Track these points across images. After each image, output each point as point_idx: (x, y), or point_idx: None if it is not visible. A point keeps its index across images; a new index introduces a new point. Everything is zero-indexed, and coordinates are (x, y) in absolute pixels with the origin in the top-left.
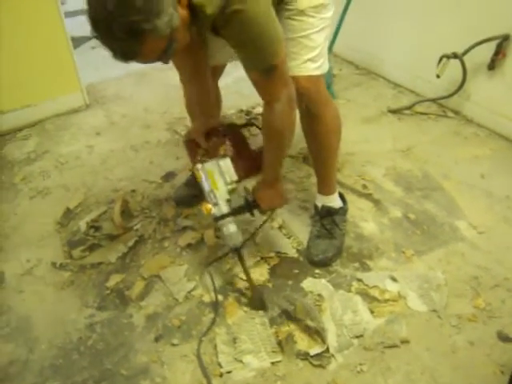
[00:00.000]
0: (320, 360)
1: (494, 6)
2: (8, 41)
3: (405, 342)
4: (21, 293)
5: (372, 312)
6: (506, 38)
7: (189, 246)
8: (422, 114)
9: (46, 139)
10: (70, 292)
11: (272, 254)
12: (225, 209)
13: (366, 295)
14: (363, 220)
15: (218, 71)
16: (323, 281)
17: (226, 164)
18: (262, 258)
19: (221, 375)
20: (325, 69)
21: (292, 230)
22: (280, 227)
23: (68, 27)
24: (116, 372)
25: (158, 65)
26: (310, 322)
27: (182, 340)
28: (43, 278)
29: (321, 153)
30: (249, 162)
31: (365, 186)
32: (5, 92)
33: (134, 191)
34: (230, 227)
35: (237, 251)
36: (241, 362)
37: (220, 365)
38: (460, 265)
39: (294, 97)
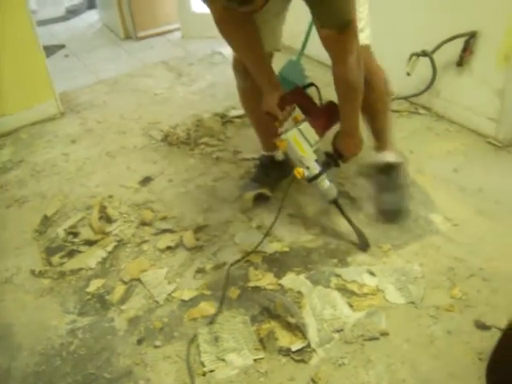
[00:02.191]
0: (302, 355)
1: (461, 4)
2: None
3: (384, 334)
4: (1, 301)
5: (351, 306)
6: (472, 35)
7: (168, 248)
8: (394, 111)
9: (21, 148)
10: (50, 299)
11: (252, 253)
12: (316, 169)
13: (344, 290)
14: (340, 217)
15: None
16: (302, 277)
17: (306, 127)
18: (242, 258)
19: (204, 374)
20: (371, 39)
21: (271, 229)
22: (259, 227)
23: (39, 36)
24: (99, 376)
25: (129, 71)
26: (290, 319)
27: (164, 342)
28: (23, 285)
29: (373, 114)
30: (322, 119)
31: (341, 184)
32: None
33: (111, 197)
34: (325, 183)
35: (335, 202)
36: (223, 360)
37: (203, 364)
38: (436, 257)
39: (360, 50)
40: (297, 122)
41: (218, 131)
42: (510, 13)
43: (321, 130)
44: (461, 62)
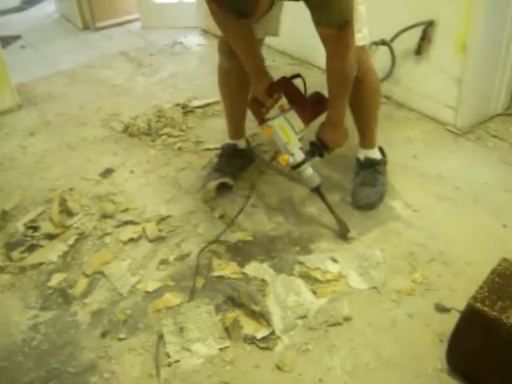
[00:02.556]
0: (267, 342)
1: None
2: None
3: (347, 319)
4: None
5: (315, 293)
6: (430, 23)
7: (131, 240)
8: None
9: None
10: (11, 294)
11: (215, 243)
12: (300, 156)
13: (308, 277)
14: (302, 205)
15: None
16: (265, 265)
17: (292, 115)
18: (205, 247)
19: (169, 365)
20: (368, 38)
21: (236, 218)
22: (221, 217)
23: None
24: (63, 370)
25: (89, 62)
26: (254, 307)
27: (128, 334)
28: None
29: (363, 112)
30: (308, 109)
31: None
32: None
33: (71, 189)
34: (309, 171)
35: (317, 190)
36: (189, 350)
37: (168, 355)
38: (397, 242)
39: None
40: (283, 111)
41: (179, 122)
42: (466, 1)
43: (306, 120)
44: (419, 51)
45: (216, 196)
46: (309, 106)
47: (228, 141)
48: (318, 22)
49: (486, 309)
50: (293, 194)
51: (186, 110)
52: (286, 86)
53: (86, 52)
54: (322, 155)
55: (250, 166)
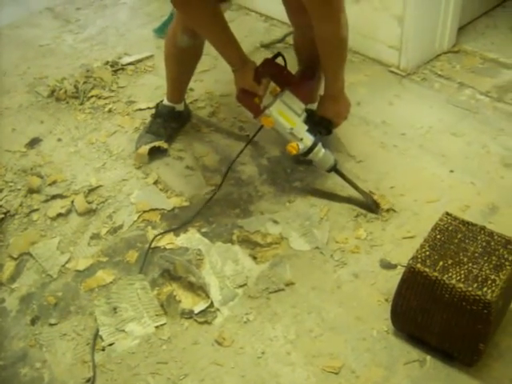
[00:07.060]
0: (205, 316)
1: None
2: None
3: (290, 284)
4: None
5: (255, 258)
6: None
7: (59, 215)
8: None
9: None
10: None
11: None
12: (310, 139)
13: (248, 242)
14: (241, 164)
15: None
16: (198, 235)
17: (289, 97)
18: (139, 217)
19: (103, 349)
20: None
21: (168, 184)
22: (155, 182)
23: None
24: None
25: (13, 22)
26: (192, 278)
27: (60, 318)
28: None
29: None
30: (303, 85)
31: (242, 128)
32: None
33: None
34: (321, 152)
35: (335, 170)
36: (123, 331)
37: (101, 338)
38: (340, 197)
39: None
40: (276, 95)
41: (109, 81)
42: None
43: (305, 97)
44: None
45: (149, 161)
46: (302, 81)
47: (165, 102)
48: None
49: (426, 270)
50: (231, 153)
51: (116, 68)
52: (272, 68)
53: (9, 10)
54: (329, 132)
55: (185, 125)
